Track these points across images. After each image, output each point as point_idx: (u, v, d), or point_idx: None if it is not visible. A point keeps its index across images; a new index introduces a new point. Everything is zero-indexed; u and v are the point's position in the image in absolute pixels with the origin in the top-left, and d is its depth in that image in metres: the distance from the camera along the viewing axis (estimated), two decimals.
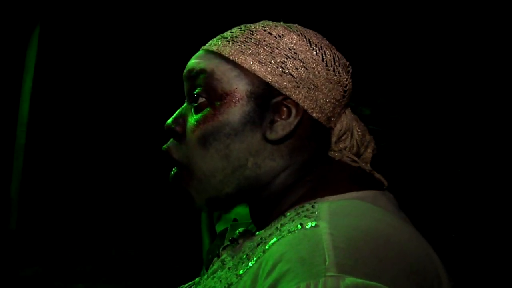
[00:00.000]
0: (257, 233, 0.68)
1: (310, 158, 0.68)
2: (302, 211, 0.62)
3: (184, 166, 0.69)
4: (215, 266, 0.73)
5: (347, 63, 0.72)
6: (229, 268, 0.67)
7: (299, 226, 0.57)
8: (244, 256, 0.64)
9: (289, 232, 0.58)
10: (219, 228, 1.89)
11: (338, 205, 0.61)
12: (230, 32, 0.71)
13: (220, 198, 0.69)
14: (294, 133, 0.66)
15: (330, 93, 0.68)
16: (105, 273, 4.12)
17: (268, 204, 0.68)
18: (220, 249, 0.78)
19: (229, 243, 0.77)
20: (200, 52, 0.73)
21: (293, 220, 0.61)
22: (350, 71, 0.72)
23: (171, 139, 0.72)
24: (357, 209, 0.60)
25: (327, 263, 0.49)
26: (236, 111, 0.66)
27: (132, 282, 4.02)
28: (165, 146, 0.72)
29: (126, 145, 4.19)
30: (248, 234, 0.74)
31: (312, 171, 0.68)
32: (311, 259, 0.51)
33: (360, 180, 0.68)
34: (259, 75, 0.66)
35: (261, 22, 0.72)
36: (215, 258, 0.77)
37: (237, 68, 0.67)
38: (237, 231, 0.78)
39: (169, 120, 0.71)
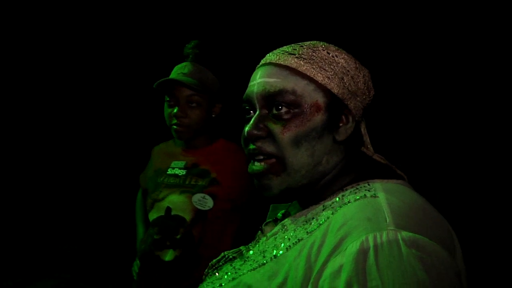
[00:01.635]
0: (311, 207, 0.85)
1: (354, 152, 0.89)
2: (360, 187, 0.80)
3: (279, 158, 0.82)
4: (275, 229, 0.86)
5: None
6: (294, 230, 0.82)
7: (364, 195, 0.77)
8: (313, 219, 0.80)
9: (355, 200, 0.76)
10: (151, 216, 1.82)
11: (388, 185, 0.80)
12: (293, 49, 0.86)
13: (294, 189, 0.84)
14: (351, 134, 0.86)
15: (364, 101, 0.89)
16: (43, 268, 3.94)
17: (325, 186, 0.86)
18: (263, 225, 0.97)
19: (271, 220, 0.98)
20: (269, 68, 0.86)
21: (355, 193, 0.79)
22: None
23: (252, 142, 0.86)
24: (402, 189, 0.79)
25: (387, 221, 0.69)
26: (319, 119, 0.82)
27: (70, 276, 3.87)
28: (252, 146, 0.85)
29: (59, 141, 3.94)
30: (287, 215, 0.95)
31: (356, 161, 0.88)
32: (376, 218, 0.70)
33: (391, 173, 0.89)
34: (329, 88, 0.83)
35: (314, 41, 0.89)
36: (259, 232, 0.95)
37: (313, 83, 0.83)
38: (279, 213, 1.00)
39: (248, 128, 0.84)
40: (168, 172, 1.86)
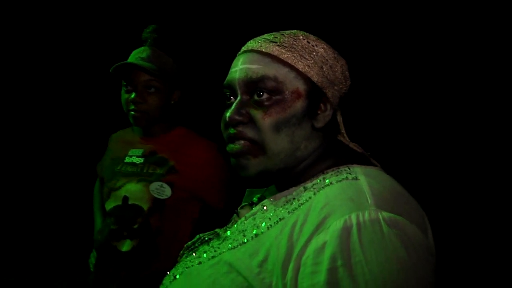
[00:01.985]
0: (293, 189, 0.86)
1: (331, 139, 0.93)
2: (341, 171, 0.82)
3: (258, 143, 0.84)
4: (254, 210, 0.88)
5: None
6: (274, 210, 0.84)
7: (345, 177, 0.80)
8: (294, 199, 0.82)
9: (338, 181, 0.79)
10: (108, 206, 1.77)
11: (367, 170, 0.83)
12: (274, 37, 0.88)
13: (271, 172, 0.86)
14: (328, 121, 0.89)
15: (341, 90, 0.92)
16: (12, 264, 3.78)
17: (303, 170, 0.88)
18: (239, 208, 1.00)
19: (246, 203, 1.01)
20: (250, 54, 0.88)
21: (337, 175, 0.81)
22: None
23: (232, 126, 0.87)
24: (380, 174, 0.83)
25: (369, 202, 0.72)
26: (299, 106, 0.84)
27: (25, 267, 3.74)
28: (233, 130, 0.86)
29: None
30: (262, 199, 0.98)
31: (334, 148, 0.91)
32: (358, 199, 0.73)
33: (366, 161, 0.91)
34: (309, 76, 0.86)
35: (294, 30, 0.90)
36: (234, 215, 0.98)
37: (293, 71, 0.85)
38: (255, 197, 1.03)
39: (229, 113, 0.85)
40: (125, 160, 1.80)
